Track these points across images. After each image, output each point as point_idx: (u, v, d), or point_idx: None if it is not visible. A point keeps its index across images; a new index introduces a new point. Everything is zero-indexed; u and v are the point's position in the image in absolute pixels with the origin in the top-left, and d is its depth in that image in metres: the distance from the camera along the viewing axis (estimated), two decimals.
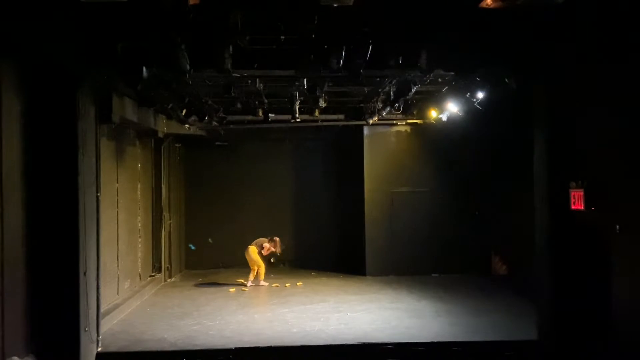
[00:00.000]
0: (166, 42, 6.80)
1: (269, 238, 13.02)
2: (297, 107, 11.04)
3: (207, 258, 15.10)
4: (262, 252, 12.96)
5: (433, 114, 12.49)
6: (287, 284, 12.94)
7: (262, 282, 12.91)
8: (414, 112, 12.96)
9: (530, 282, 9.32)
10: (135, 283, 11.85)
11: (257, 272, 12.88)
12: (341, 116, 13.22)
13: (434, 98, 11.48)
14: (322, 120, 12.94)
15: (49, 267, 7.26)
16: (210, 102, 11.00)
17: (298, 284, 13.03)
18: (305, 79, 9.00)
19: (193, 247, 15.02)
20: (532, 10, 5.95)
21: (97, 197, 8.14)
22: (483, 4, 5.41)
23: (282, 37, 7.03)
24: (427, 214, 13.91)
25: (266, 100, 11.06)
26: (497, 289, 12.13)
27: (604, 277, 6.99)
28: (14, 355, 6.68)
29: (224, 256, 15.06)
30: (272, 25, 6.85)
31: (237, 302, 11.29)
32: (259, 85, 9.33)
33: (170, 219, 13.82)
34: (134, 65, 7.10)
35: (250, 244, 13.03)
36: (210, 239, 15.02)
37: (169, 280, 13.67)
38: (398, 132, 14.21)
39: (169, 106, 10.42)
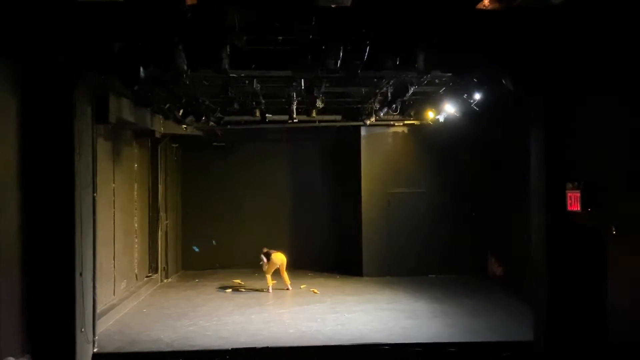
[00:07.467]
0: (163, 42, 6.80)
1: (265, 251, 12.42)
2: (295, 107, 11.05)
3: (204, 259, 15.07)
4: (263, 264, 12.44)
5: (430, 115, 12.48)
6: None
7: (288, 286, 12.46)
8: (411, 113, 12.97)
9: (527, 283, 9.33)
10: (132, 283, 11.83)
11: (282, 277, 12.39)
12: (338, 117, 13.23)
13: (431, 99, 11.48)
14: (320, 121, 12.95)
15: (45, 267, 7.23)
16: (207, 102, 10.99)
17: (302, 286, 12.76)
18: (302, 80, 9.01)
19: (197, 249, 14.97)
20: (529, 11, 5.96)
21: (94, 198, 8.13)
22: (480, 5, 5.42)
23: (280, 37, 7.04)
24: (424, 214, 13.93)
25: (263, 101, 11.05)
26: (494, 290, 12.15)
27: (600, 278, 7.01)
28: (10, 356, 6.66)
29: (220, 257, 15.05)
30: (269, 26, 6.85)
31: (233, 302, 11.27)
32: (256, 86, 9.32)
33: (167, 220, 13.80)
34: (131, 65, 7.09)
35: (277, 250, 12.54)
36: (214, 241, 14.97)
37: (165, 280, 13.64)
38: (395, 133, 14.22)
39: (166, 106, 10.40)
